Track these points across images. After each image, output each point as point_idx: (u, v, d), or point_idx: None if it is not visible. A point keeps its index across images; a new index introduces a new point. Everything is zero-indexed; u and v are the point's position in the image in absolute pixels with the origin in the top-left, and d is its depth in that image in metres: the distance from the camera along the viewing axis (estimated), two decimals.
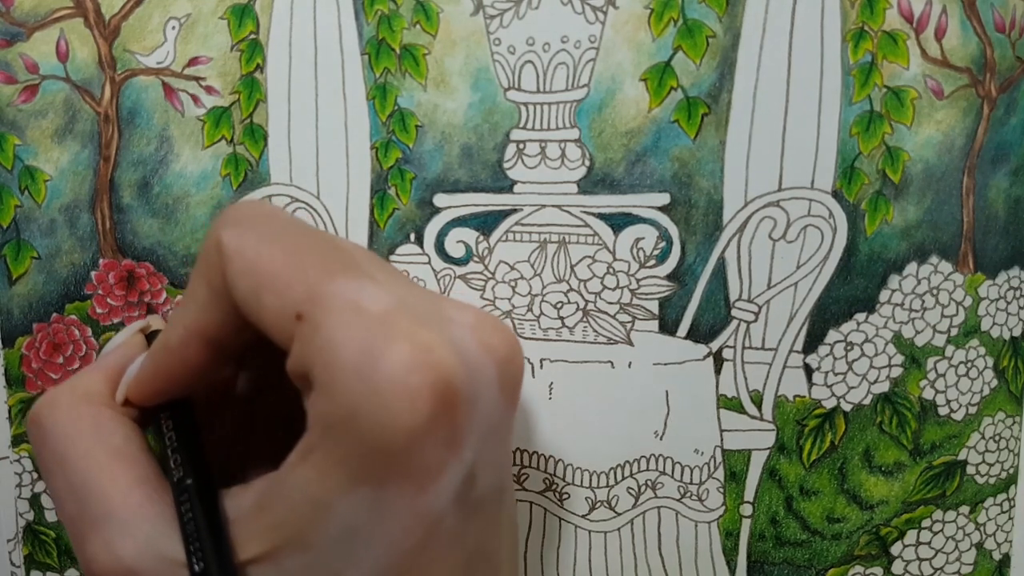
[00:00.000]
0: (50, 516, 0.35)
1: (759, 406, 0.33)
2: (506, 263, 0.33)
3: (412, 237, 0.33)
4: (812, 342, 0.33)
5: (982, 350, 0.33)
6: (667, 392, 0.33)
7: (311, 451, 0.21)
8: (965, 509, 0.34)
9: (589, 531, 0.34)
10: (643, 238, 0.32)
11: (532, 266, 0.32)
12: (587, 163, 0.32)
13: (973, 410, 0.33)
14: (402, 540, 0.21)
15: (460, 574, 0.23)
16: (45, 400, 0.25)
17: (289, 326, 0.21)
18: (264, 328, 0.22)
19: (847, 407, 0.33)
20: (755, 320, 0.33)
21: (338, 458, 0.20)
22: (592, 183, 0.32)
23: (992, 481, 0.34)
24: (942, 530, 0.34)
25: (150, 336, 0.28)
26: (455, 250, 0.33)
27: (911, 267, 0.32)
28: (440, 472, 0.21)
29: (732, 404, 0.33)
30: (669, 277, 0.32)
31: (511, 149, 0.32)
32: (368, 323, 0.20)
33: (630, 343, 0.33)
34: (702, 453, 0.33)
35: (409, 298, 0.22)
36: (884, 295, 0.32)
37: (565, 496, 0.33)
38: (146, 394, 0.26)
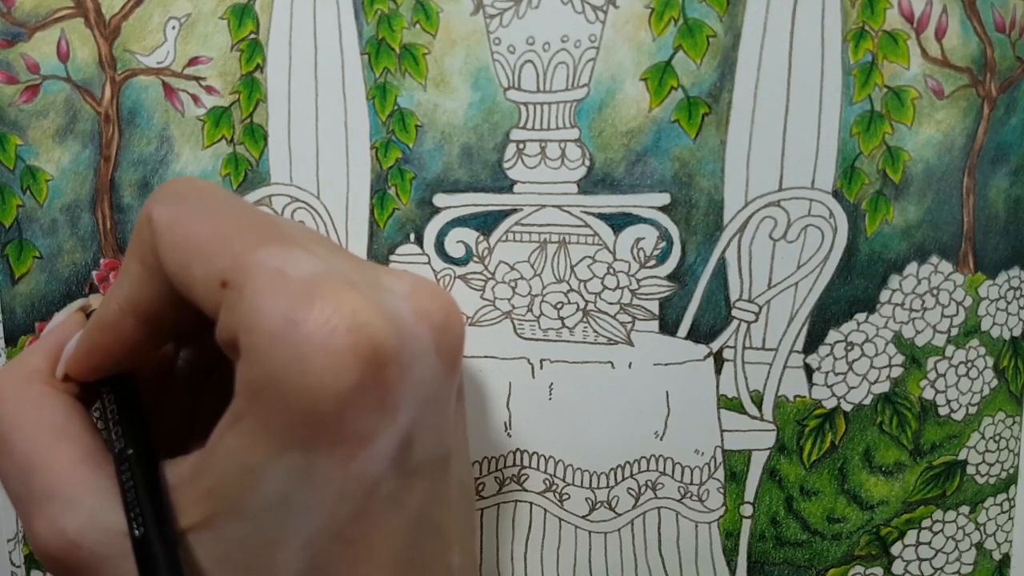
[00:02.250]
0: None
1: (759, 406, 0.33)
2: (506, 263, 0.33)
3: (412, 237, 0.33)
4: (812, 342, 0.33)
5: (982, 350, 0.33)
6: (667, 392, 0.33)
7: (239, 418, 0.21)
8: (965, 509, 0.34)
9: (589, 532, 0.34)
10: (643, 238, 0.32)
11: (532, 266, 0.32)
12: (587, 163, 0.32)
13: (973, 410, 0.33)
14: (337, 506, 0.21)
15: (403, 542, 0.23)
16: None
17: (216, 295, 0.21)
18: (194, 299, 0.22)
19: (847, 407, 0.33)
20: (755, 320, 0.33)
21: (265, 424, 0.20)
22: (592, 183, 0.32)
23: (992, 481, 0.34)
24: (942, 530, 0.34)
25: (91, 315, 0.28)
26: (455, 250, 0.33)
27: (911, 267, 0.32)
28: (372, 437, 0.21)
29: (732, 404, 0.33)
30: (669, 277, 0.32)
31: (511, 149, 0.32)
32: (291, 288, 0.20)
33: (630, 343, 0.33)
34: (702, 453, 0.33)
35: (340, 266, 0.22)
36: (884, 295, 0.32)
37: (565, 497, 0.33)
38: (84, 370, 0.26)
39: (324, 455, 0.21)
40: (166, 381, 0.29)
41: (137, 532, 0.22)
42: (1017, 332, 0.33)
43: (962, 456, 0.33)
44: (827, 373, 0.33)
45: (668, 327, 0.32)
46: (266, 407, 0.20)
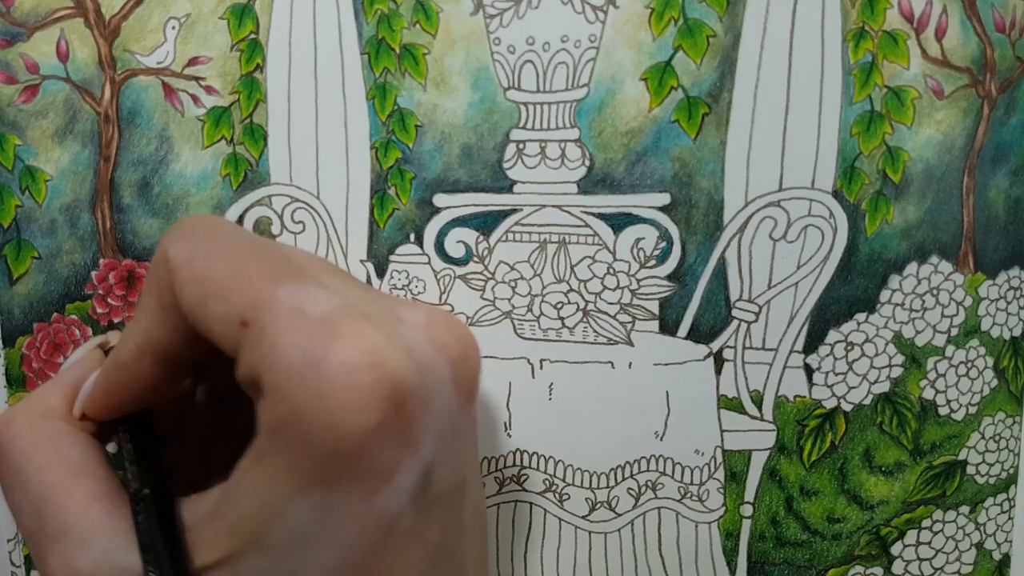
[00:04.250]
0: None
1: (759, 406, 0.33)
2: (506, 263, 0.33)
3: (412, 237, 0.33)
4: (812, 342, 0.33)
5: (982, 350, 0.33)
6: (667, 392, 0.33)
7: (260, 456, 0.21)
8: (965, 509, 0.34)
9: (589, 532, 0.34)
10: (643, 238, 0.32)
11: (532, 266, 0.32)
12: (587, 163, 0.32)
13: (973, 410, 0.33)
14: (358, 540, 0.21)
15: (421, 572, 0.23)
16: (3, 419, 0.26)
17: (236, 334, 0.21)
18: (212, 338, 0.22)
19: (847, 407, 0.33)
20: (755, 320, 0.33)
21: (287, 462, 0.20)
22: (592, 183, 0.32)
23: (992, 481, 0.34)
24: (942, 530, 0.34)
25: (109, 352, 0.28)
26: (455, 250, 0.33)
27: (911, 267, 0.32)
28: (393, 472, 0.21)
29: (732, 404, 0.33)
30: (669, 277, 0.32)
31: (511, 149, 0.32)
32: (311, 326, 0.20)
33: (630, 343, 0.33)
34: (702, 453, 0.33)
35: (357, 301, 0.22)
36: (884, 295, 0.32)
37: (565, 497, 0.33)
38: (101, 409, 0.26)
39: (345, 491, 0.21)
40: (183, 413, 0.29)
41: (152, 574, 0.22)
42: (1017, 332, 0.33)
43: (962, 456, 0.33)
44: (827, 373, 0.33)
45: (668, 327, 0.32)
46: (288, 445, 0.20)
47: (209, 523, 0.22)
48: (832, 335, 0.32)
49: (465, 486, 0.25)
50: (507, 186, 0.32)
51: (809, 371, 0.33)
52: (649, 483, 0.33)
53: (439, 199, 0.32)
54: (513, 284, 0.33)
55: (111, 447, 0.27)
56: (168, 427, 0.27)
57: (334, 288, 0.22)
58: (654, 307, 0.32)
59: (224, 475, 0.23)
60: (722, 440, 0.33)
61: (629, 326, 0.33)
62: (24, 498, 0.24)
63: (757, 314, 0.32)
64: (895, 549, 0.34)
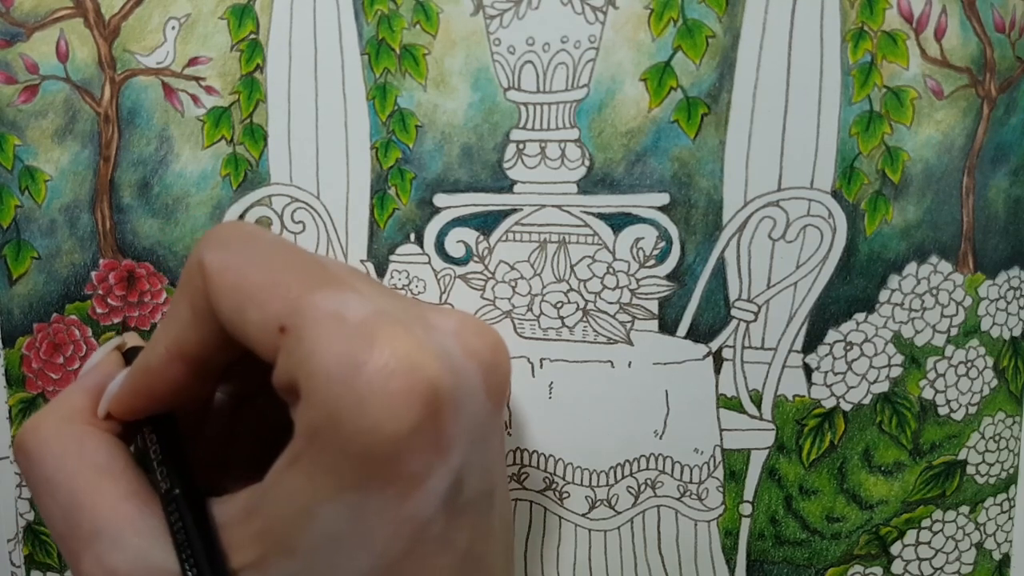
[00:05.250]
0: None
1: (759, 406, 0.33)
2: (506, 263, 0.33)
3: (412, 237, 0.33)
4: (812, 342, 0.33)
5: (982, 350, 0.33)
6: (667, 391, 0.33)
7: (296, 459, 0.21)
8: (965, 509, 0.34)
9: (589, 530, 0.34)
10: (643, 238, 0.32)
11: (532, 266, 0.32)
12: (587, 163, 0.32)
13: (973, 410, 0.33)
14: (389, 546, 0.21)
15: None
16: (29, 425, 0.26)
17: (273, 339, 0.21)
18: (249, 343, 0.22)
19: (847, 407, 0.33)
20: (755, 320, 0.33)
21: (323, 465, 0.21)
22: (592, 183, 0.32)
23: (992, 481, 0.34)
24: (942, 530, 0.34)
25: (127, 353, 0.29)
26: (455, 250, 0.33)
27: (911, 267, 0.32)
28: (425, 478, 0.21)
29: (732, 404, 0.33)
30: (669, 277, 0.32)
31: (511, 149, 0.32)
32: (349, 331, 0.21)
33: (630, 343, 0.33)
34: (702, 452, 0.33)
35: (391, 307, 0.22)
36: (884, 295, 0.32)
37: (565, 495, 0.33)
38: (128, 411, 0.26)
39: (379, 496, 0.21)
40: (202, 414, 0.29)
41: (190, 574, 0.22)
42: (1017, 332, 0.33)
43: (962, 456, 0.33)
44: (826, 373, 0.33)
45: (667, 326, 0.33)
46: (324, 448, 0.21)
47: (240, 525, 0.23)
48: (831, 335, 0.32)
49: (494, 492, 0.25)
50: (507, 186, 0.32)
51: (808, 371, 0.33)
52: (649, 481, 0.33)
53: (439, 199, 0.32)
54: (513, 284, 0.33)
55: (137, 448, 0.27)
56: (187, 425, 0.27)
57: (367, 295, 0.22)
58: (653, 306, 0.32)
59: (241, 477, 0.23)
60: (721, 439, 0.33)
61: (629, 325, 0.33)
62: (54, 503, 0.24)
63: (756, 314, 0.32)
64: (894, 549, 0.34)
